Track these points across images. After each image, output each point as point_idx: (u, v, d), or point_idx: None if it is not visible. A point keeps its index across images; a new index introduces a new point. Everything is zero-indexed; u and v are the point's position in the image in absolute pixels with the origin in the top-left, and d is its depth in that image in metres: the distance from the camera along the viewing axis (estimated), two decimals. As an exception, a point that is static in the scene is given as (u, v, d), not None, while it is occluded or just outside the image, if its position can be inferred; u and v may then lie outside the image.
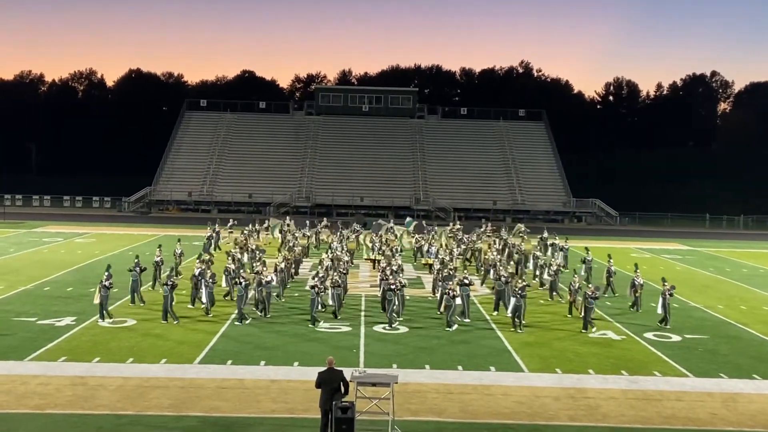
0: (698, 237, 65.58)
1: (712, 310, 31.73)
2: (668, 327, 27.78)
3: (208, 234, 43.89)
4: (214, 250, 43.20)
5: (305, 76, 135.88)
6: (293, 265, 35.89)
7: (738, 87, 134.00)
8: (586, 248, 39.89)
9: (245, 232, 43.70)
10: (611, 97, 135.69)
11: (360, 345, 24.24)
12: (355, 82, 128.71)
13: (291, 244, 39.67)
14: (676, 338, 26.46)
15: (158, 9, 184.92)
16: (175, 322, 26.22)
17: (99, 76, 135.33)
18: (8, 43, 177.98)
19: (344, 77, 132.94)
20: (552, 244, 42.92)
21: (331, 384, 15.99)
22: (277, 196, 76.33)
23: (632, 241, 59.69)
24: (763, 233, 71.28)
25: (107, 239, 50.64)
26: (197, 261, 30.91)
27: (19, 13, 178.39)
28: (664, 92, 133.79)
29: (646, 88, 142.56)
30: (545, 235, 45.40)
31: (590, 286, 28.06)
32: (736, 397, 20.09)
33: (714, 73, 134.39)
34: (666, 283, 28.39)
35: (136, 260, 30.08)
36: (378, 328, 26.51)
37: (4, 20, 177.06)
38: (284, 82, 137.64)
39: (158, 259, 33.10)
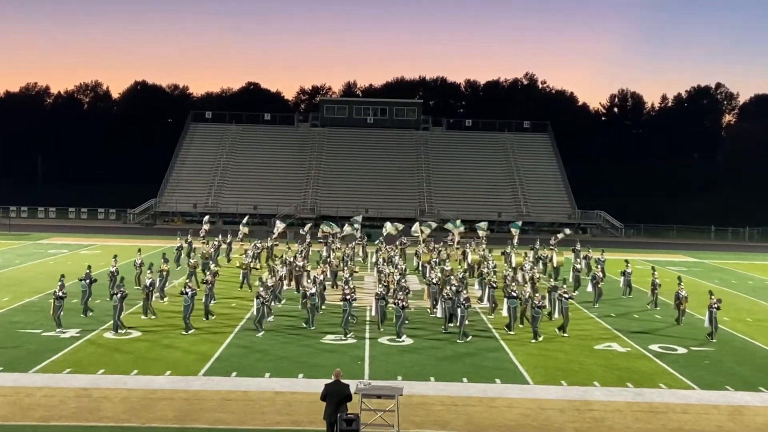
0: (704, 249, 65.45)
1: (718, 322, 31.57)
2: (714, 341, 27.79)
3: (178, 245, 43.73)
4: (186, 260, 42.89)
5: (310, 87, 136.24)
6: (332, 277, 36.67)
7: (743, 99, 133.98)
8: (626, 261, 39.89)
9: (215, 242, 43.84)
10: (616, 109, 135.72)
11: (365, 357, 24.22)
12: (360, 94, 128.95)
13: (327, 257, 39.83)
14: (681, 350, 26.40)
15: (163, 21, 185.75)
16: (122, 332, 26.29)
17: (104, 88, 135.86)
18: (14, 55, 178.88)
19: (349, 89, 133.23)
20: (585, 257, 42.87)
21: (336, 396, 15.96)
22: (281, 208, 76.38)
23: (637, 252, 59.54)
24: (769, 245, 71.17)
25: (112, 251, 50.61)
26: (148, 271, 30.98)
27: (25, 25, 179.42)
28: (669, 104, 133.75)
29: (651, 99, 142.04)
30: (578, 247, 45.60)
31: (537, 295, 28.03)
32: (743, 410, 20.02)
33: (719, 85, 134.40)
34: (713, 297, 28.40)
35: (87, 271, 30.15)
36: (383, 339, 26.49)
37: (10, 33, 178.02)
38: (289, 94, 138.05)
39: (114, 269, 33.10)
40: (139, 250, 38.72)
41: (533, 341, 26.81)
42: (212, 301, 31.16)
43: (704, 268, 51.23)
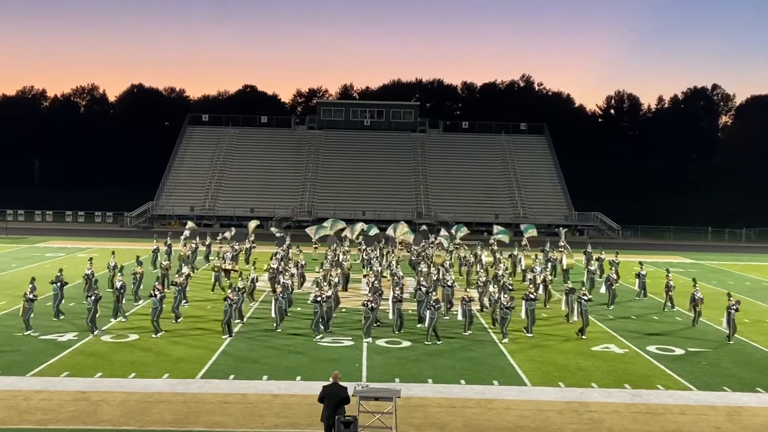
0: (701, 250, 65.53)
1: (715, 323, 31.60)
2: (731, 342, 27.82)
3: (154, 247, 43.58)
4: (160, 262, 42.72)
5: (307, 90, 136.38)
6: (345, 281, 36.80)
7: (739, 100, 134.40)
8: (641, 263, 39.89)
9: (192, 245, 43.84)
10: (612, 111, 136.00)
11: (362, 359, 24.21)
12: (357, 97, 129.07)
13: (339, 260, 39.82)
14: (679, 351, 26.43)
15: (160, 24, 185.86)
16: (95, 333, 26.38)
17: (101, 91, 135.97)
18: (10, 58, 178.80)
19: (346, 92, 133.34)
20: (599, 259, 42.56)
21: (334, 399, 15.95)
22: (279, 211, 76.42)
23: (634, 254, 59.46)
24: (766, 246, 71.25)
25: (109, 254, 50.61)
26: (119, 274, 30.99)
27: (21, 28, 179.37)
28: (666, 105, 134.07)
29: (648, 101, 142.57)
30: (589, 249, 45.67)
31: (505, 296, 28.02)
32: (740, 411, 20.04)
33: (715, 86, 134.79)
34: (731, 299, 28.44)
35: (58, 274, 30.18)
36: (381, 342, 26.47)
37: (5, 36, 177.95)
38: (286, 97, 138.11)
39: (89, 272, 33.07)
40: (113, 253, 38.76)
41: (504, 341, 26.85)
42: (185, 304, 31.39)
43: (701, 269, 51.25)
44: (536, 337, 27.88)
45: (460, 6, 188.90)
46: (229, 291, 27.96)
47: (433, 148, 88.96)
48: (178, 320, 29.05)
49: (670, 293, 34.62)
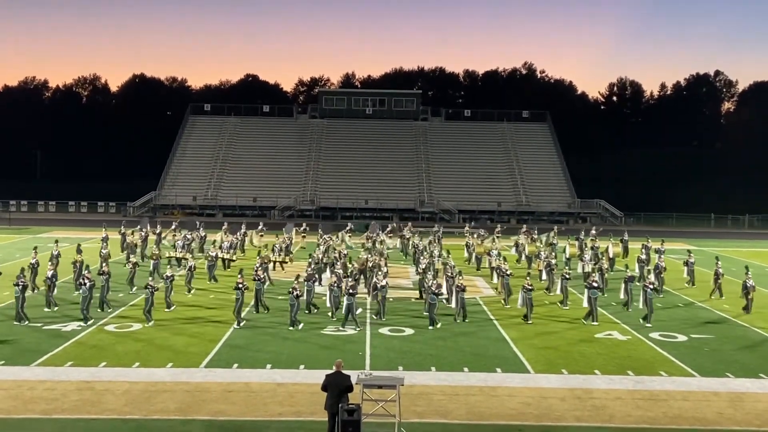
0: (703, 237, 65.39)
1: (718, 309, 31.68)
2: None
3: (103, 235, 43.10)
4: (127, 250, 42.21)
5: (309, 79, 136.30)
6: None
7: (742, 86, 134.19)
8: (689, 251, 39.84)
9: (143, 233, 43.80)
10: (615, 98, 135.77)
11: (366, 347, 24.25)
12: (359, 85, 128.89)
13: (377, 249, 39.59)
14: (682, 338, 26.42)
15: (162, 14, 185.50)
16: (24, 323, 26.33)
17: (103, 81, 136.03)
18: (12, 49, 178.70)
19: (348, 80, 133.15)
20: (644, 246, 41.94)
21: (337, 387, 15.99)
22: (281, 200, 76.40)
23: (637, 241, 59.37)
24: (769, 232, 71.11)
25: (112, 244, 50.54)
26: (49, 263, 31.07)
27: (23, 19, 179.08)
28: (668, 92, 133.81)
29: (650, 88, 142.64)
30: (626, 237, 45.49)
31: (434, 282, 27.85)
32: (743, 397, 20.06)
33: (717, 73, 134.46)
34: None
35: None
36: (384, 330, 26.52)
37: (7, 26, 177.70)
38: (288, 86, 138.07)
39: (34, 261, 33.11)
40: (56, 242, 38.79)
41: (430, 328, 26.76)
42: (134, 290, 32.01)
43: (704, 256, 51.11)
44: (539, 324, 27.90)
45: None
46: (150, 278, 27.90)
47: (436, 136, 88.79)
48: (107, 309, 28.83)
49: (719, 281, 34.25)
